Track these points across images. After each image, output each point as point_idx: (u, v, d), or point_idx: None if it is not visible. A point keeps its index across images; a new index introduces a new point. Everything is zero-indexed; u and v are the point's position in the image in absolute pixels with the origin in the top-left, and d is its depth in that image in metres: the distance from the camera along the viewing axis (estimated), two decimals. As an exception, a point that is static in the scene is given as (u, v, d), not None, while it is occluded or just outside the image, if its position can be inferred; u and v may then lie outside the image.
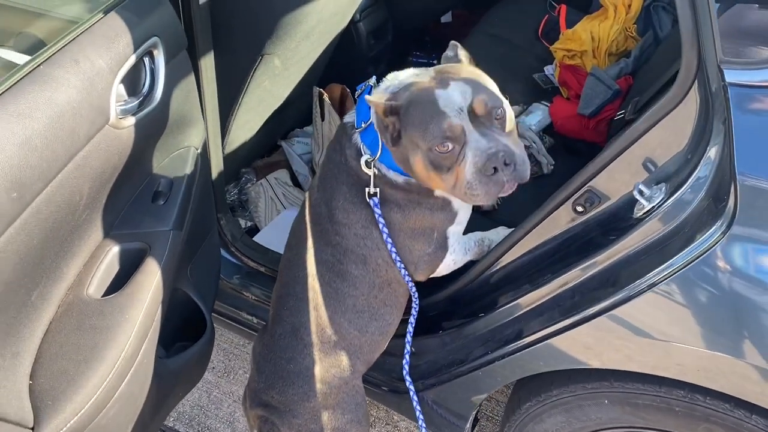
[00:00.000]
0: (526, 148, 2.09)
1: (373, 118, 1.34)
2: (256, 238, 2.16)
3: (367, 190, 1.38)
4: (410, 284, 1.49)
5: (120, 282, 1.21)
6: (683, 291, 1.15)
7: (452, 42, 1.41)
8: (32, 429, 1.01)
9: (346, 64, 2.49)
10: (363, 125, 1.36)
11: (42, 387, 1.03)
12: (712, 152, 1.12)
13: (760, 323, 1.09)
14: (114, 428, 1.16)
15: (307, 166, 2.45)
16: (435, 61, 2.87)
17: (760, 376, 1.11)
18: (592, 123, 2.12)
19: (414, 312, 1.54)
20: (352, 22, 2.36)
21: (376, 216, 1.39)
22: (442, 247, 1.49)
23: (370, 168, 1.35)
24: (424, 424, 1.55)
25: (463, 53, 1.38)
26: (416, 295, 1.53)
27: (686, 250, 1.13)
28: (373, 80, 1.43)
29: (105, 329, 1.10)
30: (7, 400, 0.96)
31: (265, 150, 2.51)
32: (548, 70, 2.42)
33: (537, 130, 2.16)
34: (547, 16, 2.60)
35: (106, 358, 1.09)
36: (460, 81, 1.25)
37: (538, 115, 2.21)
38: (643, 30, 2.31)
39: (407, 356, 1.57)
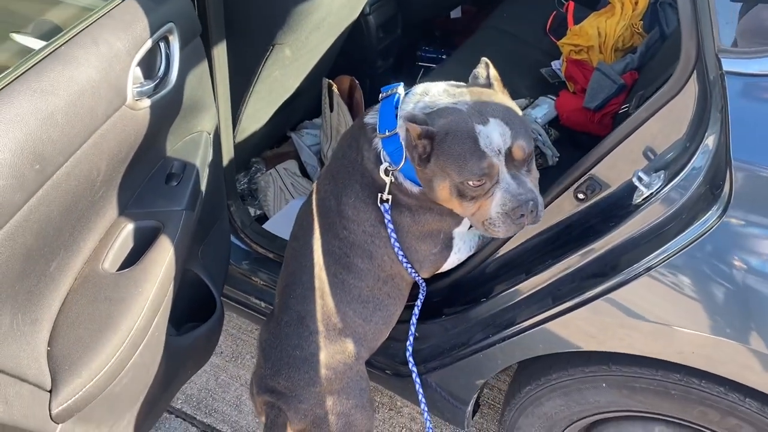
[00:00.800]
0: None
1: (400, 132, 1.34)
2: (265, 226, 2.20)
3: (380, 195, 1.40)
4: (418, 278, 1.53)
5: (134, 258, 1.26)
6: (679, 275, 1.18)
7: (484, 59, 1.41)
8: (50, 392, 1.06)
9: (355, 56, 2.53)
10: (387, 133, 1.35)
11: (59, 353, 1.08)
12: (710, 140, 1.15)
13: (753, 306, 1.12)
14: (126, 397, 1.20)
15: (316, 157, 2.49)
16: (443, 56, 2.90)
17: (753, 357, 1.14)
18: (597, 116, 2.15)
19: (420, 300, 1.57)
20: (362, 15, 2.40)
21: (386, 220, 1.42)
22: (448, 247, 1.52)
23: (388, 176, 1.37)
24: (426, 407, 1.59)
25: (494, 75, 1.38)
26: (423, 285, 1.57)
27: (682, 234, 1.16)
28: (401, 88, 1.41)
29: (119, 301, 1.15)
30: (27, 363, 1.01)
31: (274, 141, 2.55)
32: (555, 65, 2.45)
33: (543, 123, 2.20)
34: (555, 12, 2.63)
35: (120, 328, 1.13)
36: (500, 120, 1.26)
37: (545, 108, 2.24)
38: (650, 26, 2.34)
39: (411, 338, 1.60)
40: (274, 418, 1.53)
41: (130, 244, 1.28)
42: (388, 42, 2.61)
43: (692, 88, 1.17)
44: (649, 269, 1.20)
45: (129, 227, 1.27)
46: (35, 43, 1.21)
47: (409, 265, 1.48)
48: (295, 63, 2.06)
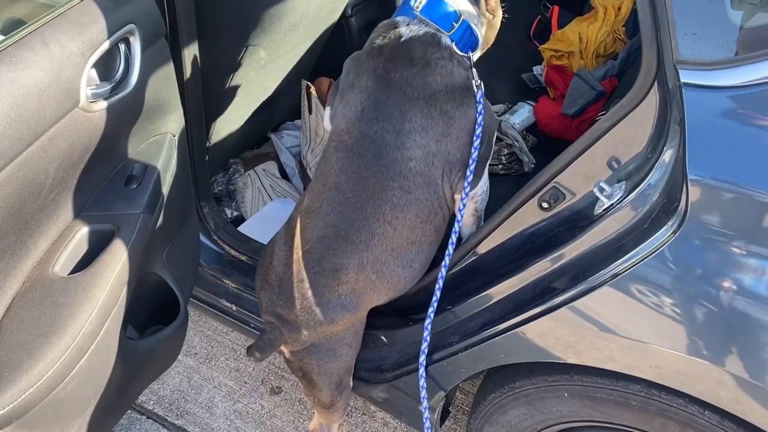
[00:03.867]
0: (508, 146, 2.11)
1: (469, 19, 1.49)
2: (240, 228, 2.19)
3: (473, 81, 1.47)
4: (464, 197, 1.49)
5: (87, 261, 1.24)
6: (635, 286, 1.17)
7: None
8: (-13, 399, 1.04)
9: (337, 58, 2.51)
10: (455, 25, 1.46)
11: (0, 359, 1.06)
12: (669, 153, 1.14)
13: (705, 320, 1.11)
14: (73, 402, 1.19)
15: (295, 159, 2.47)
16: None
17: (704, 371, 1.13)
18: (575, 123, 2.14)
19: (453, 239, 1.51)
20: (344, 17, 2.39)
21: (478, 107, 1.45)
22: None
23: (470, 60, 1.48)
24: (426, 410, 1.56)
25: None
26: (461, 215, 1.52)
27: (639, 247, 1.15)
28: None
29: (67, 306, 1.14)
30: (-35, 370, 1.00)
31: (254, 141, 2.54)
32: (537, 70, 2.44)
33: (520, 129, 2.18)
34: (539, 16, 2.62)
35: (66, 334, 1.12)
36: None
37: (523, 113, 2.23)
38: (632, 33, 2.33)
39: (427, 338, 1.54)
40: (272, 336, 1.57)
41: (84, 248, 1.26)
42: (371, 44, 2.59)
43: (653, 99, 1.16)
44: (605, 282, 1.19)
45: (83, 230, 1.26)
46: None
47: (471, 174, 1.47)
48: (272, 64, 2.05)
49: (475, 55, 1.57)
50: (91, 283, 1.18)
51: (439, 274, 1.52)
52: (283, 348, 1.65)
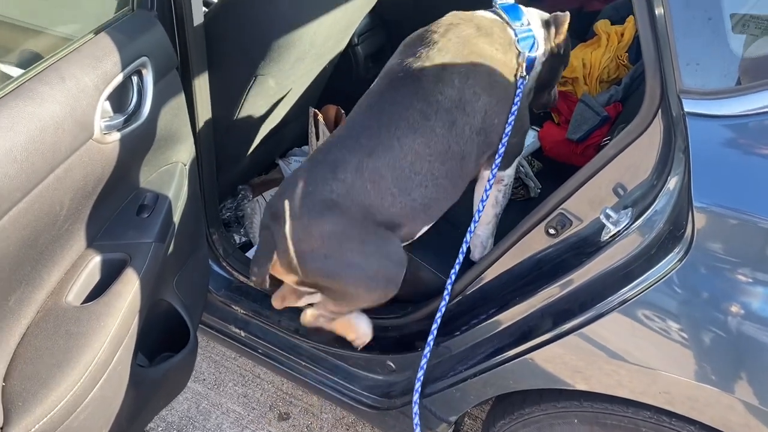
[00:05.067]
0: (514, 171, 2.12)
1: (534, 27, 1.67)
2: (249, 254, 2.20)
3: (519, 67, 1.60)
4: (495, 166, 1.57)
5: (100, 290, 1.26)
6: (643, 312, 1.17)
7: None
8: (1, 429, 1.05)
9: (344, 85, 2.55)
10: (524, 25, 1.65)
11: (14, 389, 1.07)
12: (673, 180, 1.15)
13: (714, 346, 1.11)
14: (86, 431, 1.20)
15: (303, 185, 2.49)
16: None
17: (713, 398, 1.13)
18: (580, 148, 2.15)
19: (460, 256, 1.54)
20: (350, 46, 2.42)
21: (518, 93, 1.57)
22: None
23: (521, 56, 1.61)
24: None
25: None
26: (485, 196, 1.59)
27: (647, 273, 1.16)
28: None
29: (80, 335, 1.15)
30: (-21, 399, 1.01)
31: (262, 168, 2.56)
32: (541, 95, 2.46)
33: (526, 154, 2.20)
34: (543, 42, 2.65)
35: (79, 363, 1.13)
36: None
37: (528, 138, 2.24)
38: (635, 58, 2.35)
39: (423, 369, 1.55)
40: (266, 248, 1.51)
41: (97, 277, 1.28)
42: (378, 71, 2.63)
43: (657, 127, 1.18)
44: (612, 309, 1.20)
45: (96, 260, 1.28)
46: (16, 72, 1.23)
47: (504, 144, 1.56)
48: (280, 93, 2.08)
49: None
50: (104, 312, 1.19)
51: (441, 303, 1.54)
52: (282, 272, 1.53)
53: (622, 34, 2.39)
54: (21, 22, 1.54)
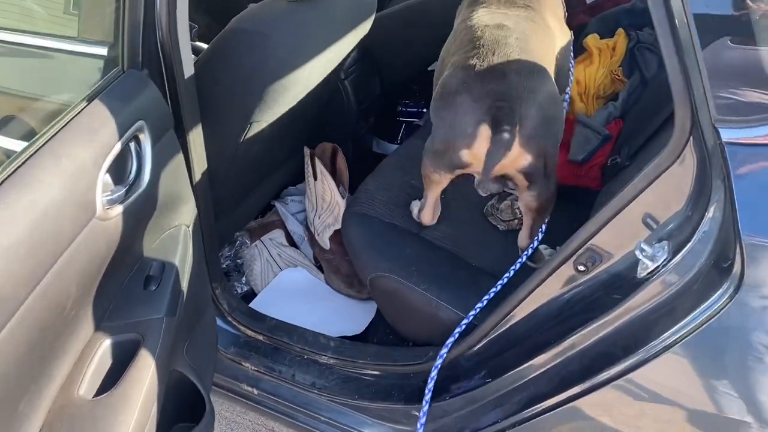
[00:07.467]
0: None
1: None
2: (252, 304, 2.11)
3: None
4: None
5: (113, 377, 1.17)
6: (692, 356, 1.11)
7: None
8: None
9: (336, 120, 2.49)
10: None
11: (33, 504, 0.98)
12: (713, 210, 1.10)
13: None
14: None
15: (302, 225, 2.42)
16: (424, 109, 2.86)
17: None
18: (583, 169, 2.10)
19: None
20: (339, 80, 2.36)
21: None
22: None
23: None
24: None
25: None
26: None
27: (694, 312, 1.10)
28: None
29: (97, 434, 1.06)
30: None
31: (258, 211, 2.48)
32: (538, 116, 2.42)
33: (530, 179, 2.14)
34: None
35: (100, 467, 1.04)
36: None
37: (531, 163, 2.19)
38: (629, 72, 2.32)
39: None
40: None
41: (108, 362, 1.19)
42: (368, 104, 2.58)
43: (690, 158, 1.13)
44: (660, 352, 1.13)
45: (105, 344, 1.19)
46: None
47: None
48: (275, 137, 2.01)
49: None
50: (121, 405, 1.10)
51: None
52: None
53: (614, 48, 2.35)
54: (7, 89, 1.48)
